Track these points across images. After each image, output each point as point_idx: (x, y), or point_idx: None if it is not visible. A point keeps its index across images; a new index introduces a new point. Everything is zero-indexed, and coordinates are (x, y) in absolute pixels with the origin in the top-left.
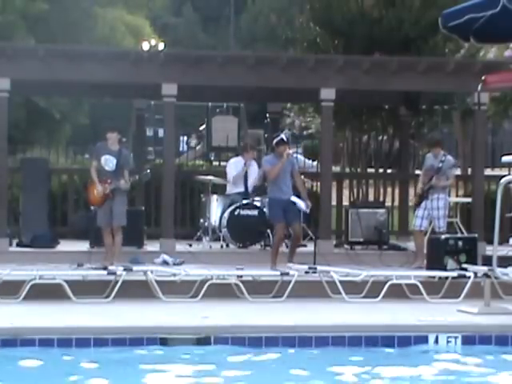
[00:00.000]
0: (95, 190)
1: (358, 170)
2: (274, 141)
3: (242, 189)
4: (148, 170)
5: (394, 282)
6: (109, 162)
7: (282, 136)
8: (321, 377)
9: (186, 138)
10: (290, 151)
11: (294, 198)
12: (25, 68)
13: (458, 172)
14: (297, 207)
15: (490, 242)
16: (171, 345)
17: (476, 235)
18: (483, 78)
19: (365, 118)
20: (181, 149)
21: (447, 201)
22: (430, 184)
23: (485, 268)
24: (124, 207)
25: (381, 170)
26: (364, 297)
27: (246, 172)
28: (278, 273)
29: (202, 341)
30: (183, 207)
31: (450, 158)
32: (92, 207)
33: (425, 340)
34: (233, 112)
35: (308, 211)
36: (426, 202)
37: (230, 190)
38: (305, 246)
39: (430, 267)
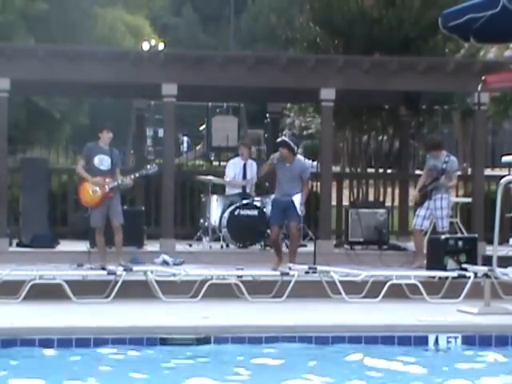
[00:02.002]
0: (91, 190)
1: (358, 170)
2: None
3: (239, 190)
4: (154, 164)
5: (394, 281)
6: (104, 162)
7: (282, 138)
8: (321, 376)
9: (187, 138)
10: (276, 155)
11: (294, 198)
12: (25, 68)
13: (458, 172)
14: (295, 209)
15: (490, 242)
16: (171, 345)
17: (476, 235)
18: (483, 78)
19: (365, 118)
20: (184, 149)
21: (450, 201)
22: (435, 184)
23: (485, 268)
24: (120, 205)
25: (381, 170)
26: (364, 297)
27: (245, 172)
28: (278, 273)
29: (202, 341)
30: (183, 207)
31: (453, 158)
32: (88, 208)
33: (425, 340)
34: (233, 112)
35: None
36: (429, 201)
37: (229, 190)
38: (305, 245)
39: (429, 267)
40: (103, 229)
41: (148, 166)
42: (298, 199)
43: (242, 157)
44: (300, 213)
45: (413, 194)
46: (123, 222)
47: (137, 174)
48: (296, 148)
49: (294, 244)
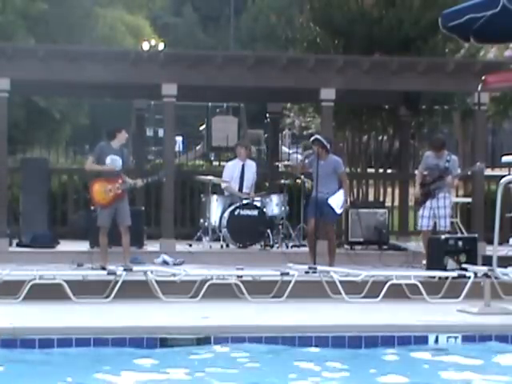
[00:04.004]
0: (103, 189)
1: (358, 170)
2: None
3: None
4: (164, 172)
5: (394, 281)
6: (116, 162)
7: (315, 136)
8: (321, 377)
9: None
10: (306, 153)
11: (330, 200)
12: (25, 68)
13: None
14: (330, 207)
15: (490, 242)
16: (171, 345)
17: (476, 235)
18: (483, 78)
19: (365, 117)
20: (180, 149)
21: (451, 200)
22: (439, 183)
23: (485, 268)
24: (128, 207)
25: (381, 170)
26: (364, 297)
27: (243, 173)
28: (278, 273)
29: (202, 341)
30: (183, 207)
31: (454, 158)
32: (96, 207)
33: (425, 340)
34: (233, 112)
35: (339, 211)
36: (432, 200)
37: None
38: (305, 245)
39: (429, 267)
40: (108, 229)
41: (160, 173)
42: (339, 197)
43: (240, 157)
44: (340, 210)
45: (415, 192)
46: (130, 224)
47: (149, 179)
48: (329, 145)
49: (329, 244)
